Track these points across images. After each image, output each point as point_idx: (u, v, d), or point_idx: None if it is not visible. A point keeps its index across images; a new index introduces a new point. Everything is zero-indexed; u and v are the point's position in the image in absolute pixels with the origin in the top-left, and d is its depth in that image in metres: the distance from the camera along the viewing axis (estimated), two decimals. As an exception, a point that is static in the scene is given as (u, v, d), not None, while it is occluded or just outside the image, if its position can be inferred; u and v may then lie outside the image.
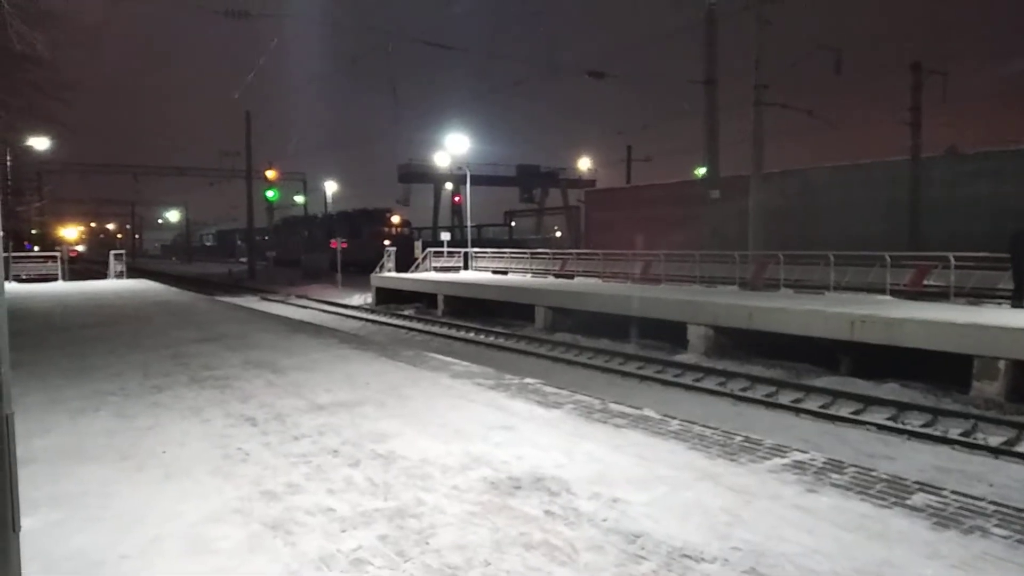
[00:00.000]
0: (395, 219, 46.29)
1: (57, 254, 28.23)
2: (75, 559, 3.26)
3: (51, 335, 11.21)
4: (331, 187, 49.80)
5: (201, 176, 52.61)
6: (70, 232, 40.96)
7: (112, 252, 30.95)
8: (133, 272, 32.60)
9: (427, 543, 3.37)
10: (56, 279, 26.74)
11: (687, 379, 12.92)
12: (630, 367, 14.23)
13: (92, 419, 5.72)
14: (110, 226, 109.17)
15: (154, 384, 7.06)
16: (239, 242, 75.49)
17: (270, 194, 43.77)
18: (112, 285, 25.13)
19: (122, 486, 4.19)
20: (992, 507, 3.83)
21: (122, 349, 9.44)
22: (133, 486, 4.18)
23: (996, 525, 3.56)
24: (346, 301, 29.45)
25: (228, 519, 3.68)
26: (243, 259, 57.11)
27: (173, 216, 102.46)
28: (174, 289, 24.00)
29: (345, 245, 38.49)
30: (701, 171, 26.79)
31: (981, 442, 8.72)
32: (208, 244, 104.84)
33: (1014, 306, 13.13)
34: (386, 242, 39.04)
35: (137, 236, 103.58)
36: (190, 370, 7.81)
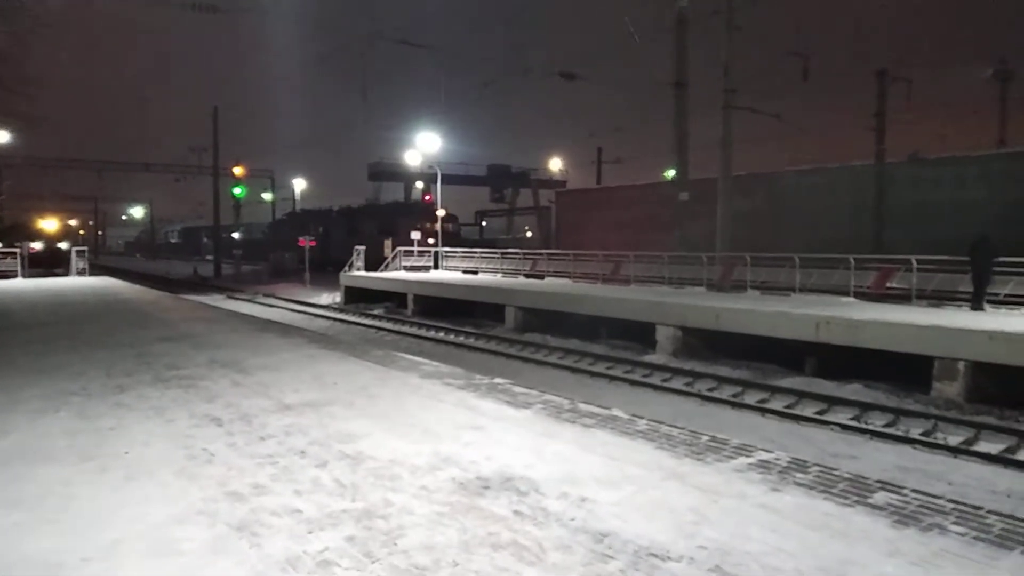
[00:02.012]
0: (440, 213, 38.89)
1: (16, 250, 27.51)
2: (33, 562, 3.19)
3: (9, 333, 10.94)
4: (300, 184, 49.26)
5: (167, 172, 51.69)
6: (49, 224, 39.30)
7: (74, 248, 30.25)
8: (96, 269, 31.88)
9: (395, 544, 3.35)
10: (15, 276, 26.09)
11: (655, 379, 13.03)
12: (599, 367, 14.31)
13: (52, 420, 5.59)
14: (72, 222, 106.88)
15: (117, 384, 6.93)
16: (205, 239, 74.16)
17: (237, 191, 43.08)
18: (74, 282, 24.60)
19: (83, 488, 4.10)
20: (950, 505, 3.93)
21: (84, 348, 9.24)
22: (95, 488, 4.10)
23: (954, 523, 3.64)
24: (315, 300, 29.18)
25: (193, 520, 3.62)
26: (209, 257, 56.07)
27: (138, 212, 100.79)
28: (138, 287, 23.58)
29: (311, 243, 37.39)
30: (671, 173, 27.02)
31: (941, 442, 8.93)
32: (173, 241, 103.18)
33: (973, 308, 13.47)
34: (430, 240, 34.51)
35: (100, 232, 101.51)
36: (154, 369, 7.67)
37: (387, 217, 41.32)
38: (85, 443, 4.96)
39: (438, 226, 35.10)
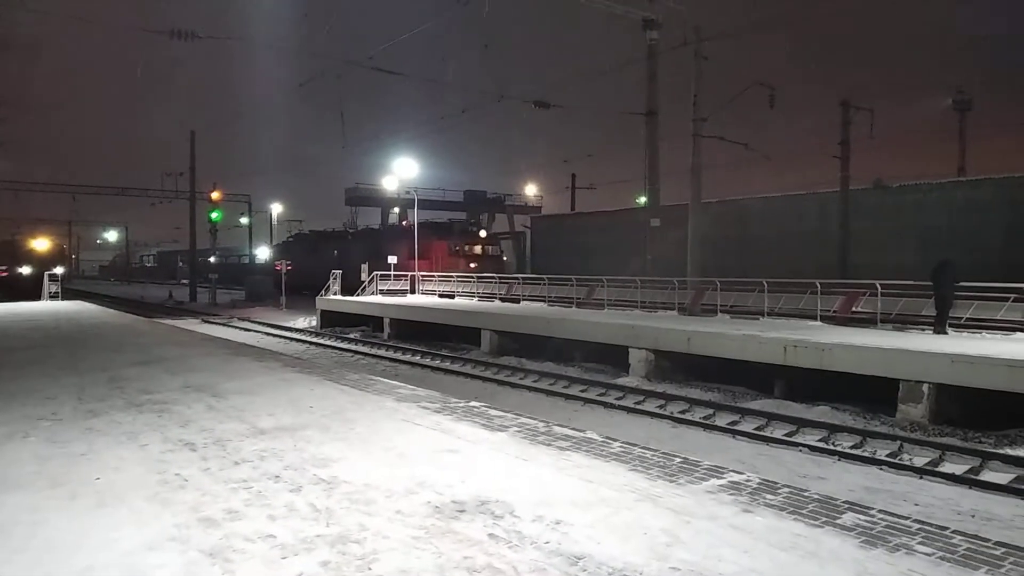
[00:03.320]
0: (482, 233, 36.06)
1: None
2: (2, 591, 3.15)
3: (-25, 358, 10.72)
4: (276, 209, 49.00)
5: (143, 196, 51.04)
6: (40, 243, 37.76)
7: (46, 273, 29.70)
8: (69, 293, 31.21)
9: (369, 568, 3.36)
10: None
11: (629, 402, 13.12)
12: (574, 390, 14.37)
13: (21, 445, 5.50)
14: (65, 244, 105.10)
15: (89, 408, 6.84)
16: (180, 263, 73.12)
17: (214, 215, 42.82)
18: (46, 307, 24.17)
19: (53, 514, 4.05)
20: (917, 525, 4.01)
21: (55, 372, 9.10)
22: (65, 514, 4.05)
23: (920, 543, 3.73)
24: (290, 324, 28.93)
25: (165, 547, 3.59)
26: (184, 281, 55.24)
27: (112, 236, 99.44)
28: (112, 311, 23.22)
29: (285, 266, 36.79)
30: (642, 199, 27.37)
31: (907, 463, 9.09)
32: (148, 265, 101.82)
33: (936, 332, 13.77)
34: (472, 265, 31.47)
35: (74, 256, 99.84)
36: (127, 394, 7.58)
37: (412, 238, 37.20)
38: (55, 469, 4.90)
39: (477, 248, 31.97)
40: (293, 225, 60.61)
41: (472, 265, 31.23)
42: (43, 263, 34.34)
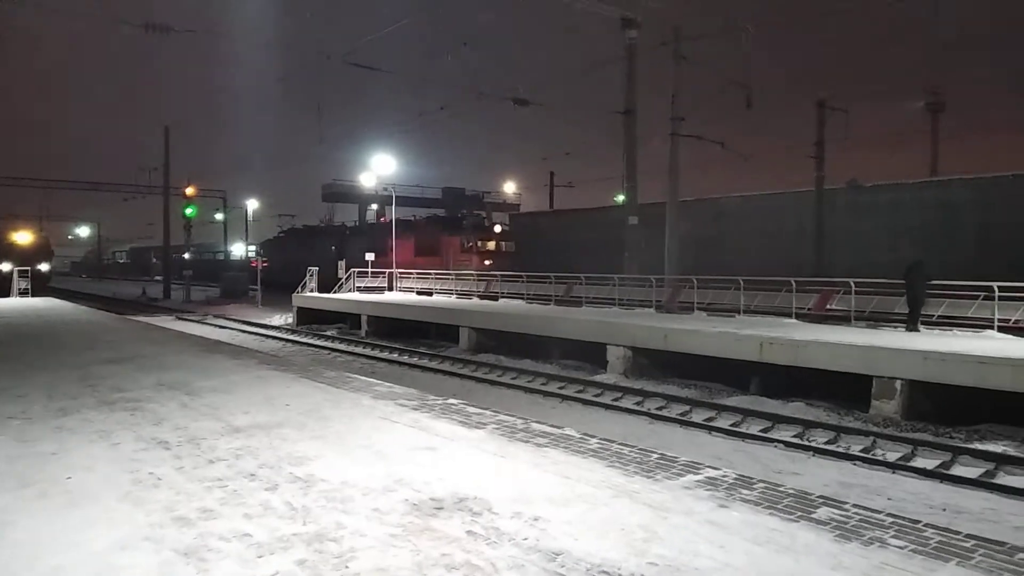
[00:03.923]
0: (496, 228, 33.52)
1: None
2: (-31, 593, 3.08)
3: (-59, 356, 10.49)
4: (252, 205, 48.50)
5: (116, 192, 50.14)
6: (23, 236, 35.92)
7: (16, 268, 29.04)
8: (40, 290, 30.39)
9: (347, 567, 3.33)
10: None
11: (607, 399, 13.18)
12: (552, 387, 14.40)
13: (-12, 444, 5.39)
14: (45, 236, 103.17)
15: (60, 407, 6.71)
16: (154, 260, 72.10)
17: (189, 211, 42.28)
18: (15, 303, 23.69)
19: (21, 515, 3.97)
20: (890, 519, 4.07)
21: (25, 370, 8.93)
22: (34, 514, 3.97)
23: (893, 536, 3.78)
24: (266, 321, 28.68)
25: (138, 547, 3.54)
26: (158, 277, 54.46)
27: (85, 232, 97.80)
28: (84, 308, 22.84)
29: (261, 263, 36.61)
30: (620, 198, 27.42)
31: (880, 458, 9.23)
32: (121, 262, 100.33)
33: (908, 329, 14.00)
34: (487, 262, 29.54)
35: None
36: (99, 392, 7.46)
37: (427, 233, 35.51)
38: (24, 468, 4.80)
39: (491, 244, 30.30)
40: (284, 220, 59.51)
41: (487, 262, 29.46)
42: (26, 258, 32.30)
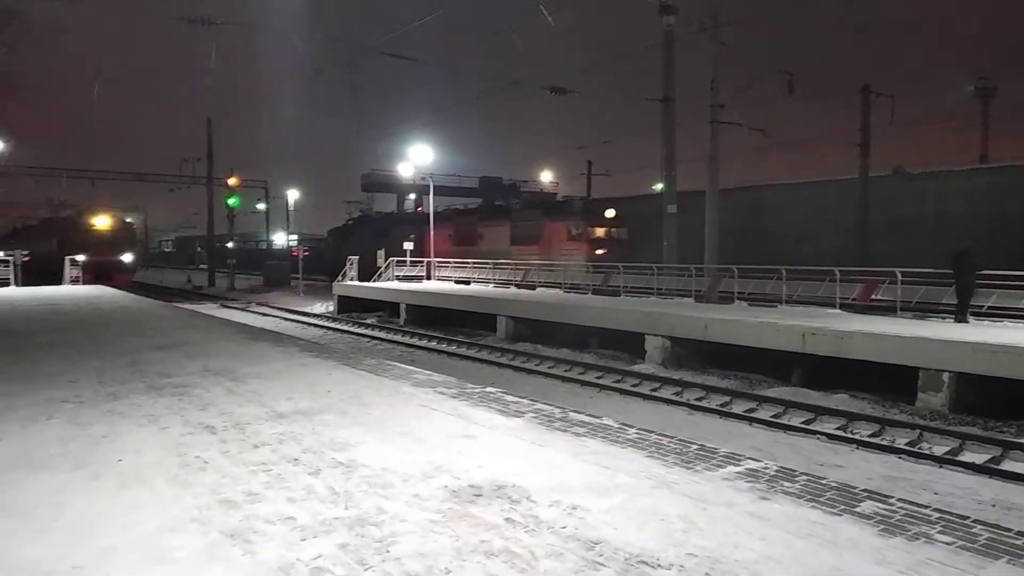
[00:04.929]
0: (609, 213, 28.97)
1: (9, 259, 27.26)
2: (24, 570, 3.19)
3: (1, 342, 10.89)
4: (293, 195, 49.26)
5: (161, 182, 51.39)
6: (101, 220, 33.48)
7: (68, 257, 29.90)
8: (122, 286, 30.78)
9: (388, 551, 3.38)
10: (8, 284, 25.91)
11: (645, 389, 13.11)
12: (590, 376, 14.38)
13: (44, 427, 5.58)
14: (129, 219, 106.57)
15: (110, 391, 6.92)
16: (199, 249, 73.61)
17: (231, 201, 43.23)
18: (67, 291, 24.44)
19: (75, 495, 4.11)
20: (936, 514, 3.97)
21: (77, 356, 9.21)
22: (87, 495, 4.11)
23: (940, 532, 3.69)
24: (308, 309, 29.13)
25: (186, 528, 3.64)
26: (203, 266, 55.60)
27: (131, 222, 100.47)
28: (132, 295, 23.46)
29: (306, 253, 37.26)
30: (659, 186, 26.92)
31: (926, 451, 9.03)
32: (167, 251, 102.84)
33: (957, 321, 13.62)
34: (598, 251, 26.60)
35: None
36: (147, 377, 7.66)
37: (524, 218, 32.14)
38: (77, 450, 4.96)
39: (601, 231, 27.42)
40: (352, 207, 59.36)
41: (598, 252, 26.41)
42: (104, 247, 29.97)
